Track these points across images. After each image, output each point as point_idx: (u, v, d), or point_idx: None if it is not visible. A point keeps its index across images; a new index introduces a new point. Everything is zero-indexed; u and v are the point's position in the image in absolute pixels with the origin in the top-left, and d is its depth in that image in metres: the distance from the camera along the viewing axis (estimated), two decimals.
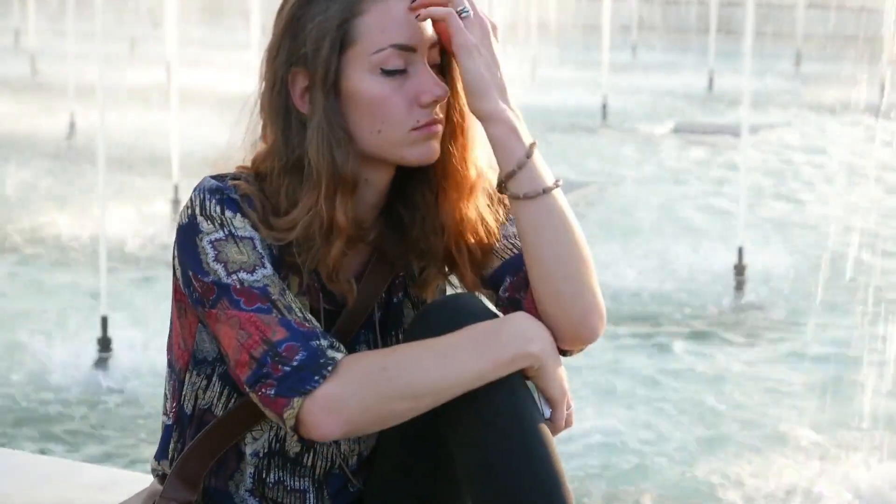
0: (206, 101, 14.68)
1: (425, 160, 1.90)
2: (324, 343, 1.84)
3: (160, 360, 6.07)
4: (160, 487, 2.04)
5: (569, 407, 1.94)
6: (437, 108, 1.90)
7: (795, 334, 6.81)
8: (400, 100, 1.87)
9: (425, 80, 1.87)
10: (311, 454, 2.00)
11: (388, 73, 1.86)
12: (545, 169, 1.89)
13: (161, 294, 7.22)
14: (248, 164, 1.97)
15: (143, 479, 2.79)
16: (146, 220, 8.88)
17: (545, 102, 14.13)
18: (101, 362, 5.92)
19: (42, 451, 4.93)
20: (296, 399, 1.80)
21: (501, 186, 1.89)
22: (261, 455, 1.99)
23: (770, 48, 21.51)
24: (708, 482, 4.88)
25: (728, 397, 5.84)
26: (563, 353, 1.94)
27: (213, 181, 1.91)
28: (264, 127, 1.94)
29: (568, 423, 1.94)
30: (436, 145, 1.90)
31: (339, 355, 1.83)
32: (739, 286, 7.43)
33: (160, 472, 2.06)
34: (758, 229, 8.89)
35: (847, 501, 4.75)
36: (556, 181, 1.88)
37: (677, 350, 6.49)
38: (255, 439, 1.98)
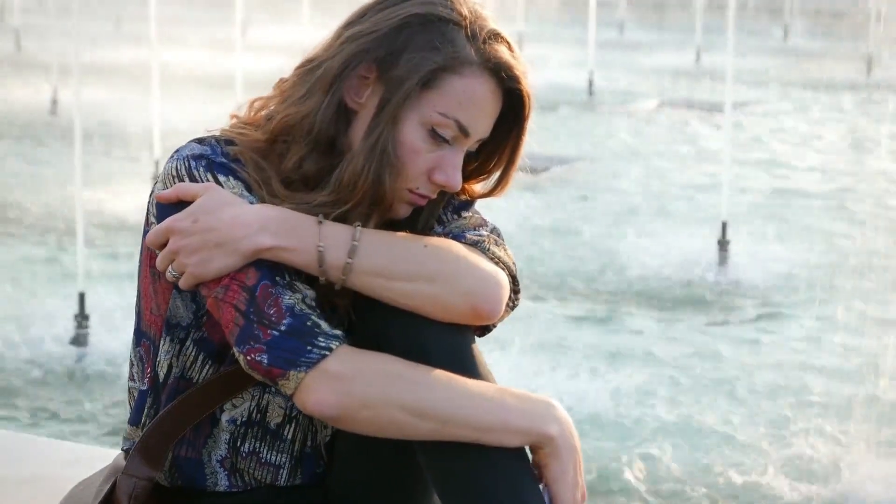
0: (188, 78, 14.64)
1: (396, 218, 1.88)
2: (320, 320, 1.78)
3: None
4: (124, 463, 1.98)
5: None
6: (436, 190, 1.88)
7: (779, 310, 6.80)
8: (423, 163, 1.84)
9: (453, 164, 1.86)
10: (293, 426, 1.94)
11: (434, 136, 1.84)
12: (337, 238, 1.80)
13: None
14: (239, 122, 1.93)
15: (107, 455, 2.74)
16: (126, 197, 8.84)
17: (531, 80, 14.07)
18: (79, 338, 5.88)
19: (21, 428, 4.89)
20: (293, 372, 1.75)
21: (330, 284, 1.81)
22: (238, 423, 1.92)
23: (757, 24, 21.49)
24: None
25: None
26: (484, 329, 1.88)
27: (196, 146, 1.87)
28: (294, 85, 1.88)
29: None
30: (409, 210, 1.88)
31: (338, 336, 1.78)
32: (723, 261, 7.40)
33: (128, 447, 2.00)
34: (742, 204, 8.87)
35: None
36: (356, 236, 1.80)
37: (653, 324, 6.47)
38: (234, 406, 1.91)
